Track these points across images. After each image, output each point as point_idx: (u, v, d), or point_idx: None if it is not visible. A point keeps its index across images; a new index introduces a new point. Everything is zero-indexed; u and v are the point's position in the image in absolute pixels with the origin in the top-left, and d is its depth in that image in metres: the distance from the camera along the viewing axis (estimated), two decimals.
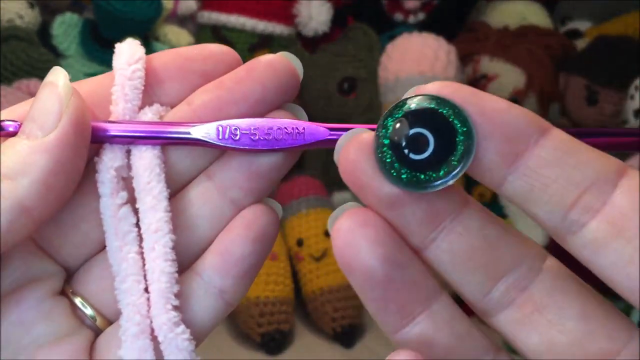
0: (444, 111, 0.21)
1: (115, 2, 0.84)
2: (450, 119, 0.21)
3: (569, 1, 1.16)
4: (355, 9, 1.10)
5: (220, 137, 0.24)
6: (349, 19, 1.09)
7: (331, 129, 0.25)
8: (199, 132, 0.24)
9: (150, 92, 0.25)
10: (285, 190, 0.89)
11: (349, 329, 0.81)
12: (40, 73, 0.84)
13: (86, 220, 0.25)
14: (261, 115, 0.25)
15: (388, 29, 1.07)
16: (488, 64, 1.03)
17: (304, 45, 1.03)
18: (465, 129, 0.21)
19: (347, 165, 0.22)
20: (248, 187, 0.25)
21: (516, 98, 1.02)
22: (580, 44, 1.07)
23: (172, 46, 0.94)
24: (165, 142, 0.24)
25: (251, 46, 1.01)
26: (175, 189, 0.25)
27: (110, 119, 0.25)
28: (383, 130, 0.22)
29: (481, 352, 0.23)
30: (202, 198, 0.25)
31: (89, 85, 0.25)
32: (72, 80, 0.63)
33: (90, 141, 0.24)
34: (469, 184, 0.94)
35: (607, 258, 0.20)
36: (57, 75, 0.23)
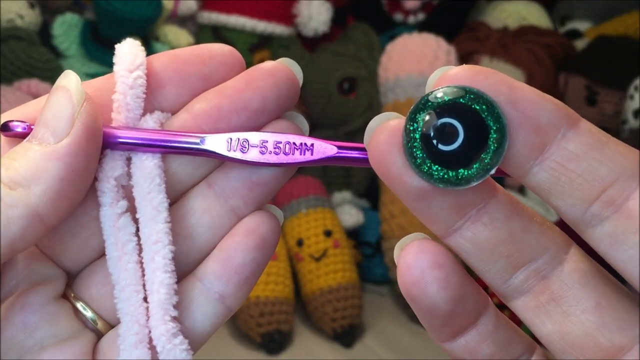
0: (477, 107, 0.21)
1: (116, 2, 0.84)
2: (484, 116, 0.21)
3: (568, 1, 1.16)
4: (355, 9, 1.10)
5: (229, 149, 0.24)
6: (349, 18, 1.09)
7: (340, 147, 0.24)
8: (208, 143, 0.24)
9: (150, 96, 0.25)
10: (285, 190, 0.89)
11: (349, 329, 0.82)
12: (40, 73, 0.84)
13: (86, 228, 0.25)
14: (262, 124, 0.25)
15: (388, 29, 1.07)
16: (488, 64, 1.03)
17: (304, 45, 1.03)
18: (498, 126, 0.21)
19: (376, 155, 0.22)
20: (249, 197, 0.25)
21: None
22: (580, 44, 1.07)
23: (172, 46, 0.94)
24: (174, 152, 0.24)
25: (251, 46, 1.01)
26: (175, 197, 0.25)
27: (112, 125, 0.25)
28: (414, 125, 0.21)
29: (519, 354, 0.24)
30: (203, 206, 0.25)
31: (89, 89, 0.25)
32: None
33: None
34: None
35: (625, 253, 0.20)
36: (69, 79, 0.23)
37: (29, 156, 0.22)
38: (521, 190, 0.97)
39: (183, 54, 0.25)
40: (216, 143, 0.24)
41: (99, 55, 0.88)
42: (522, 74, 1.01)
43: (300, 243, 0.85)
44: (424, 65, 0.91)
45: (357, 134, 0.99)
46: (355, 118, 0.98)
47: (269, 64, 0.25)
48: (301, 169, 1.02)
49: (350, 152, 0.24)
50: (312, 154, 0.24)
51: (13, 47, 0.84)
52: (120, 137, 0.24)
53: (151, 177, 0.24)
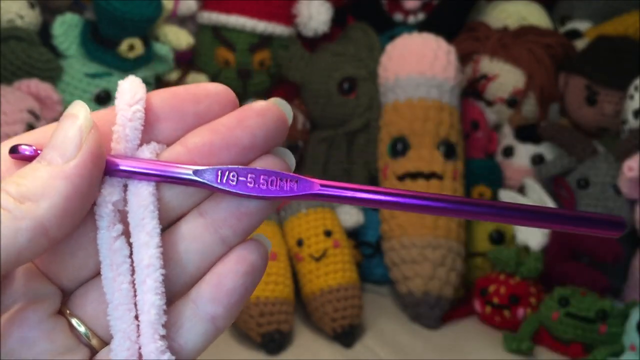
0: None
1: (116, 2, 0.84)
2: None
3: (568, 1, 1.16)
4: (355, 9, 1.10)
5: (219, 180, 0.26)
6: (349, 18, 1.09)
7: (322, 185, 0.27)
8: (200, 174, 0.26)
9: (147, 129, 0.27)
10: None
11: (349, 329, 0.82)
12: (40, 73, 0.84)
13: (83, 248, 0.26)
14: (251, 159, 0.27)
15: (388, 29, 1.07)
16: (488, 64, 1.03)
17: (304, 45, 1.03)
18: None
19: None
20: (237, 226, 0.27)
21: (516, 98, 1.02)
22: (580, 44, 1.07)
23: (172, 46, 0.94)
24: (168, 181, 0.26)
25: (251, 46, 1.01)
26: (168, 223, 0.27)
27: (112, 154, 0.27)
28: None
29: None
30: (193, 234, 0.27)
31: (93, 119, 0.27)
32: (72, 79, 0.63)
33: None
34: (469, 183, 0.94)
35: None
36: (79, 109, 0.25)
37: (38, 175, 0.24)
38: (521, 190, 0.97)
39: (180, 92, 0.27)
40: (207, 175, 0.26)
41: (99, 55, 0.87)
42: (522, 74, 1.01)
43: (300, 243, 0.85)
44: (424, 65, 0.91)
45: (356, 134, 0.99)
46: (355, 118, 0.98)
47: (260, 104, 0.27)
48: (301, 168, 1.02)
49: (331, 190, 0.26)
50: (295, 189, 0.26)
51: (13, 47, 0.84)
52: (118, 165, 0.26)
53: (145, 204, 0.26)
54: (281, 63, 1.01)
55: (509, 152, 1.00)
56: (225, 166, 0.26)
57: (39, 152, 0.25)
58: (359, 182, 0.99)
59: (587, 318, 0.81)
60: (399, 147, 0.91)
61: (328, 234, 0.86)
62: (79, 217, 0.25)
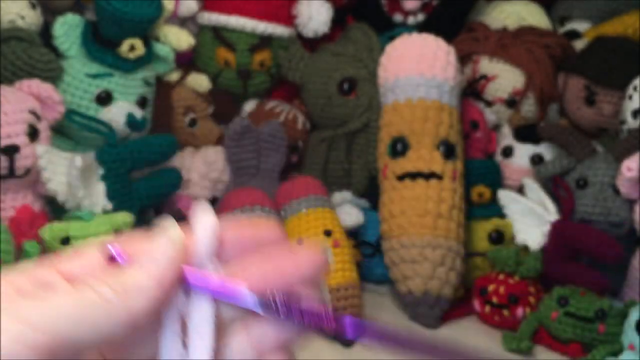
0: None
1: (116, 2, 0.84)
2: None
3: (567, 1, 1.16)
4: (355, 9, 1.10)
5: (271, 309, 0.30)
6: (349, 19, 1.10)
7: (358, 332, 0.30)
8: (251, 299, 0.30)
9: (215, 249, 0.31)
10: (285, 190, 0.89)
11: None
12: (42, 73, 0.84)
13: (146, 341, 0.30)
14: (298, 292, 0.31)
15: (388, 30, 1.07)
16: (487, 64, 1.03)
17: (304, 45, 1.03)
18: None
19: None
20: (276, 345, 0.31)
21: (515, 98, 1.02)
22: (579, 44, 1.07)
23: (172, 46, 0.94)
24: (224, 300, 0.30)
25: (251, 47, 1.01)
26: (217, 327, 0.31)
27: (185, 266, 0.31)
28: None
29: None
30: (239, 349, 0.31)
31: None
32: (73, 80, 0.65)
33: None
34: (469, 183, 0.94)
35: None
36: (172, 228, 0.30)
37: (137, 276, 0.28)
38: (520, 190, 0.97)
39: (245, 232, 0.32)
40: (262, 304, 0.30)
41: (99, 55, 0.88)
42: (522, 74, 1.02)
43: (300, 243, 0.86)
44: (424, 65, 0.91)
45: (356, 134, 0.99)
46: (355, 118, 0.98)
47: (314, 255, 0.31)
48: (300, 168, 1.03)
49: (368, 338, 0.30)
50: (334, 325, 0.30)
51: (14, 47, 0.84)
52: (189, 277, 0.30)
53: (206, 317, 0.30)
54: (281, 63, 1.02)
55: (508, 152, 1.00)
56: (278, 299, 0.30)
57: (128, 259, 0.29)
58: (358, 182, 0.99)
59: (586, 318, 0.81)
60: (399, 147, 0.91)
61: (328, 233, 0.86)
62: (159, 315, 0.29)
